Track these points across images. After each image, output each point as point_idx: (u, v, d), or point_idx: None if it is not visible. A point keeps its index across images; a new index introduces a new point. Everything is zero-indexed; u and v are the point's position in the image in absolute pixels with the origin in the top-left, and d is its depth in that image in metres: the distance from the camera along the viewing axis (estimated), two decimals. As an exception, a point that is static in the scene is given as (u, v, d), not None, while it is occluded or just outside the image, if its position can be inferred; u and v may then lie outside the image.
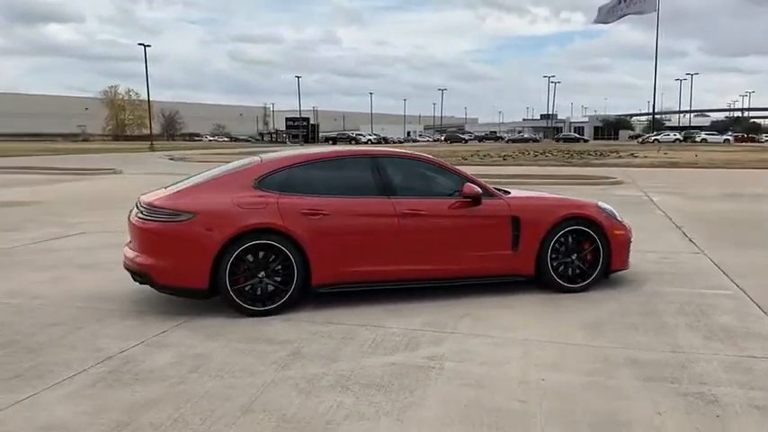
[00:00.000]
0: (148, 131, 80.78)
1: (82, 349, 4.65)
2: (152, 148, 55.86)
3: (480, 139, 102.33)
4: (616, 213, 6.48)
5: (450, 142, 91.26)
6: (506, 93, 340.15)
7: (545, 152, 43.33)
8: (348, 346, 4.68)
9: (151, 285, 5.53)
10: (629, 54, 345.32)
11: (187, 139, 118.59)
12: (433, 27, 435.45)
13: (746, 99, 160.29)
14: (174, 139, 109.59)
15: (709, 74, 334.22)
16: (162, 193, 5.79)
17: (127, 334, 4.99)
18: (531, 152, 43.26)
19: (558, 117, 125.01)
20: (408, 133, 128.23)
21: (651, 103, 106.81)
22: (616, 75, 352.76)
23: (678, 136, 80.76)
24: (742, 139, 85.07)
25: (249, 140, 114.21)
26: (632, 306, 5.70)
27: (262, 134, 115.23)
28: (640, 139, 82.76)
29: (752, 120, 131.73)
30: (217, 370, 4.22)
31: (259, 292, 5.40)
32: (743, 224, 10.78)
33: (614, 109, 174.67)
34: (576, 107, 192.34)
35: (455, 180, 6.09)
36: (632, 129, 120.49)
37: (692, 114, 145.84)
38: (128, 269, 5.68)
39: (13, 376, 4.14)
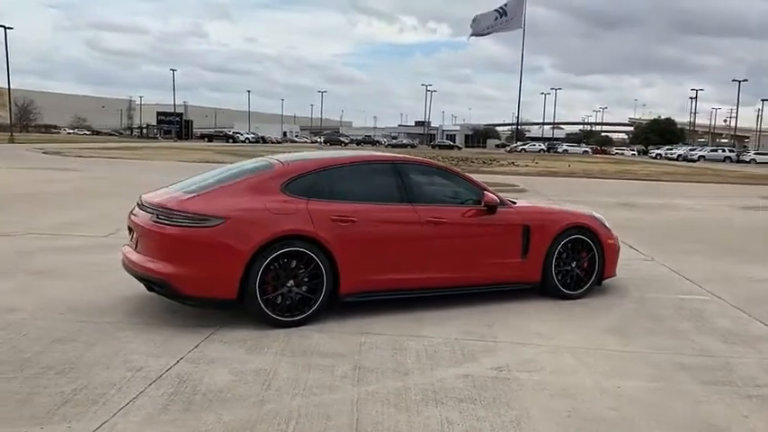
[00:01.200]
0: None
1: (119, 368, 4.20)
2: (12, 140, 51.17)
3: (358, 142, 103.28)
4: (606, 222, 6.82)
5: (330, 144, 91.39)
6: (376, 98, 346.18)
7: (443, 159, 44.43)
8: (405, 357, 4.58)
9: (171, 296, 5.11)
10: (489, 67, 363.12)
11: (43, 131, 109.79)
12: (303, 28, 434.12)
13: (599, 114, 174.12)
14: (28, 131, 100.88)
15: (560, 89, 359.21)
16: (173, 194, 5.37)
17: (155, 350, 4.57)
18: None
19: (432, 125, 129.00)
20: (284, 133, 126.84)
21: (514, 114, 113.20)
22: (477, 86, 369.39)
23: (543, 146, 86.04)
24: (597, 151, 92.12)
25: (114, 134, 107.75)
26: (634, 311, 6.02)
27: (130, 128, 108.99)
28: (508, 148, 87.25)
29: (602, 133, 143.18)
30: (290, 387, 3.97)
31: (288, 302, 5.15)
32: (658, 232, 11.70)
33: (477, 118, 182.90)
34: (445, 116, 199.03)
35: (468, 188, 6.14)
36: (499, 138, 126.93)
37: (549, 126, 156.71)
38: (139, 277, 5.20)
39: (61, 402, 3.66)
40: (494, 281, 6.09)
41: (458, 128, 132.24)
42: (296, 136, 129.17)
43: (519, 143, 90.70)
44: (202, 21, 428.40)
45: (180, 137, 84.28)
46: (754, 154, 70.30)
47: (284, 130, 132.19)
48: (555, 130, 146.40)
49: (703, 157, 68.85)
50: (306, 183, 5.42)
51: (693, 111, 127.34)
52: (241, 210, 5.07)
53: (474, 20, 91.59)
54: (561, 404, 3.86)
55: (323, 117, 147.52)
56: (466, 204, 6.02)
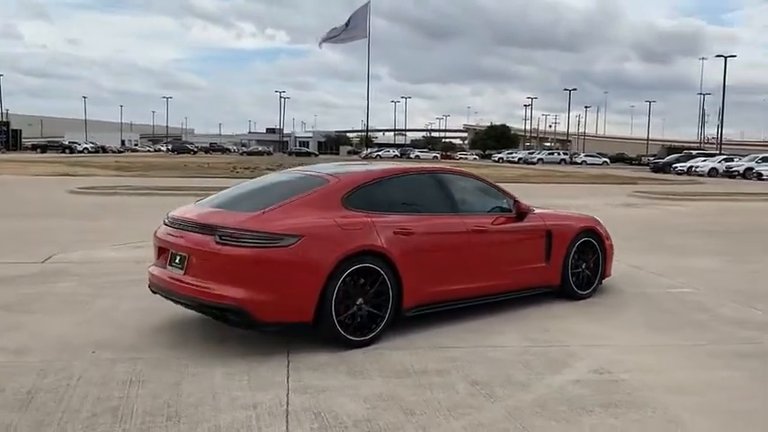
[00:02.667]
0: None
1: (233, 408, 3.81)
2: None
3: (207, 150, 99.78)
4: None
5: (178, 153, 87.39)
6: (219, 105, 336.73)
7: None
8: (505, 368, 4.56)
9: (245, 324, 4.69)
10: (330, 74, 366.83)
11: None
12: (132, 31, 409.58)
13: (442, 121, 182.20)
14: None
15: (398, 97, 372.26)
16: (223, 212, 4.96)
17: (249, 383, 4.19)
18: (291, 165, 43.70)
19: (284, 131, 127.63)
20: (123, 142, 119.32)
21: (363, 121, 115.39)
22: (319, 93, 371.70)
23: (396, 152, 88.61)
24: (444, 156, 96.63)
25: None
26: (646, 307, 6.44)
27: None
28: (362, 154, 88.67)
29: (445, 140, 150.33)
30: (433, 410, 3.81)
31: (358, 321, 4.94)
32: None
33: (322, 125, 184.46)
34: (294, 122, 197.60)
35: (497, 196, 6.26)
36: (351, 144, 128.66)
37: (393, 133, 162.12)
38: (198, 304, 4.73)
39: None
40: (525, 286, 6.24)
41: (311, 135, 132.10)
42: (135, 144, 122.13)
43: (375, 149, 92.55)
44: (14, 20, 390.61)
45: (7, 147, 76.22)
46: (585, 156, 77.28)
47: (122, 138, 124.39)
48: (398, 137, 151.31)
49: (542, 159, 74.53)
50: (362, 196, 5.24)
51: (526, 117, 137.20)
52: (315, 227, 4.79)
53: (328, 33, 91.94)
54: (691, 400, 4.05)
55: (161, 124, 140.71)
56: (496, 212, 6.12)
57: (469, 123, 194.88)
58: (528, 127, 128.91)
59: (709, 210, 18.23)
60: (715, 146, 74.11)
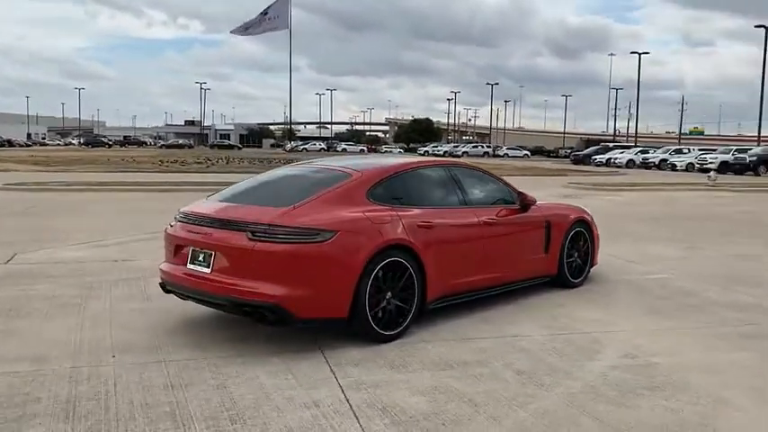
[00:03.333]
0: None
1: (294, 407, 3.73)
2: None
3: (122, 143, 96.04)
4: (588, 215, 7.48)
5: (91, 146, 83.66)
6: (132, 96, 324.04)
7: (237, 159, 43.12)
8: (542, 356, 4.66)
9: (280, 322, 4.58)
10: (246, 65, 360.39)
11: None
12: (33, 18, 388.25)
13: (366, 114, 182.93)
14: None
15: (318, 89, 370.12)
16: (249, 207, 4.85)
17: (296, 381, 4.12)
18: (223, 159, 42.76)
19: (204, 124, 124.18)
20: (29, 135, 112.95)
21: (285, 114, 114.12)
22: (236, 84, 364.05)
23: (323, 145, 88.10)
24: (370, 149, 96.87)
25: None
26: (636, 294, 6.71)
27: None
28: (288, 147, 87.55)
29: (370, 133, 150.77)
30: (495, 402, 3.85)
31: (388, 315, 4.92)
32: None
33: (242, 117, 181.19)
34: (214, 114, 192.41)
35: (502, 188, 6.36)
36: (274, 137, 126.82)
37: (316, 126, 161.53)
38: (227, 302, 4.59)
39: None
40: (529, 276, 6.39)
41: (232, 127, 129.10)
42: (43, 138, 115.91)
43: (300, 142, 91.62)
44: None
45: None
46: (507, 149, 79.41)
47: (29, 131, 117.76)
48: (320, 130, 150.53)
49: (467, 153, 76.01)
50: (384, 189, 5.23)
51: (449, 111, 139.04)
52: (349, 221, 4.73)
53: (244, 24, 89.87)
54: (721, 380, 4.27)
55: (68, 116, 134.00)
56: (501, 204, 6.22)
57: (391, 117, 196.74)
58: (450, 121, 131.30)
59: (643, 199, 19.17)
60: (625, 138, 77.83)
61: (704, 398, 3.95)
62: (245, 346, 4.80)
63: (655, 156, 46.94)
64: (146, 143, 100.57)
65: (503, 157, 73.84)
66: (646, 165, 45.86)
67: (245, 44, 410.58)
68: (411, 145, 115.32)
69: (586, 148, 60.23)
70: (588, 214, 7.26)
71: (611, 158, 49.39)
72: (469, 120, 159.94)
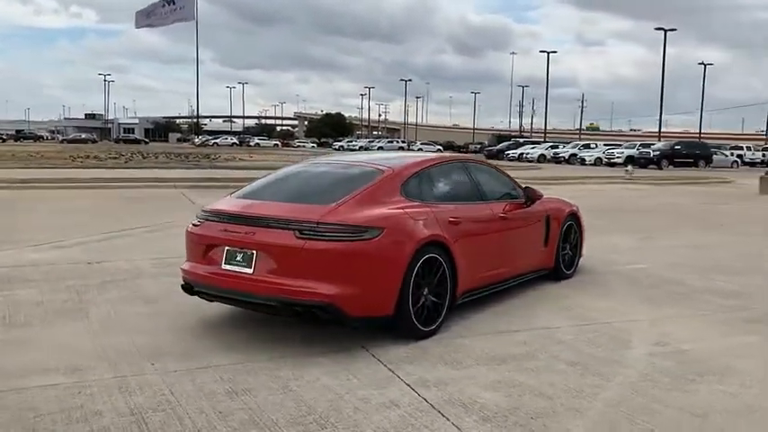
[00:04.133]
0: None
1: (375, 409, 3.67)
2: None
3: (16, 138, 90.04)
4: (573, 208, 7.73)
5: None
6: (19, 87, 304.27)
7: (152, 154, 41.21)
8: (583, 347, 4.78)
9: (333, 320, 4.48)
10: (145, 57, 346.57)
11: None
12: None
13: (277, 108, 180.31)
14: None
15: (222, 82, 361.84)
16: (276, 204, 4.79)
17: (358, 382, 4.04)
18: (136, 153, 40.84)
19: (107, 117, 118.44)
20: None
21: (191, 107, 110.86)
22: (135, 76, 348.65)
23: (234, 140, 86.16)
24: (284, 144, 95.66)
25: None
26: (626, 283, 6.99)
27: None
28: (198, 142, 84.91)
29: (282, 127, 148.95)
30: (564, 392, 3.93)
31: (426, 312, 4.92)
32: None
33: (143, 111, 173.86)
34: (114, 107, 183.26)
35: (508, 183, 6.47)
36: (181, 131, 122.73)
37: (223, 120, 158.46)
38: (277, 302, 4.44)
39: None
40: (532, 269, 6.54)
41: (137, 121, 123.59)
42: None
43: (211, 137, 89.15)
44: None
45: None
46: (421, 144, 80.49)
47: None
48: (228, 124, 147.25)
49: (382, 147, 76.47)
50: (414, 185, 5.21)
51: (362, 107, 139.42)
52: (393, 218, 4.69)
53: (137, 14, 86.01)
54: (755, 363, 4.54)
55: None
56: (507, 198, 6.32)
57: (301, 111, 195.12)
58: (362, 116, 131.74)
59: (570, 192, 19.97)
60: (530, 134, 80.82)
61: (754, 381, 4.19)
62: (283, 347, 4.66)
63: (565, 151, 49.07)
64: (42, 137, 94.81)
65: (417, 151, 74.79)
66: (556, 159, 47.84)
67: (144, 35, 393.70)
68: (323, 139, 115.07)
69: (498, 143, 62.03)
70: (577, 207, 7.52)
71: (522, 153, 51.18)
72: (380, 115, 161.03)
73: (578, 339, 4.98)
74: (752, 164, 48.22)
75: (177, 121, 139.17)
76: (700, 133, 63.45)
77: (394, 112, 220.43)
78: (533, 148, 52.80)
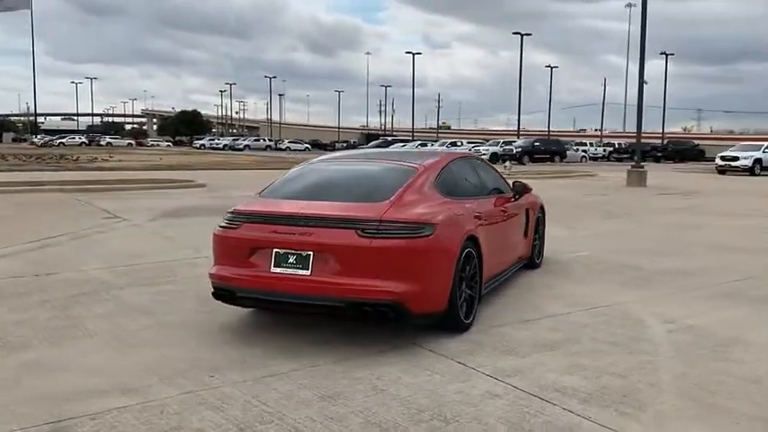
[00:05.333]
0: None
1: (479, 401, 3.74)
2: None
3: None
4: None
5: None
6: None
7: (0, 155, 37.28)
8: (608, 329, 5.09)
9: (398, 318, 4.44)
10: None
11: None
12: None
13: (125, 106, 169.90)
14: None
15: (57, 77, 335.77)
16: (323, 203, 4.71)
17: (439, 378, 4.08)
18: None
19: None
20: None
21: (25, 105, 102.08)
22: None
23: (83, 139, 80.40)
24: (138, 143, 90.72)
25: None
26: (587, 269, 7.50)
27: None
28: (38, 141, 78.00)
29: (132, 125, 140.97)
30: (632, 371, 4.19)
31: (465, 305, 5.02)
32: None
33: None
34: None
35: (497, 178, 6.70)
36: (17, 130, 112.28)
37: (61, 118, 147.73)
38: (342, 303, 4.34)
39: None
40: (519, 260, 6.84)
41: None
42: None
43: (53, 136, 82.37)
44: None
45: None
46: (289, 143, 79.77)
47: None
48: (69, 122, 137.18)
49: (248, 146, 74.96)
50: (442, 182, 5.27)
51: (222, 104, 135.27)
52: (441, 214, 4.73)
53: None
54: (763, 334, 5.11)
55: None
56: (496, 193, 6.55)
57: (148, 108, 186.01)
58: (221, 113, 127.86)
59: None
60: (391, 133, 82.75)
61: (769, 348, 4.73)
62: (332, 349, 4.56)
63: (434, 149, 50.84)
64: None
65: (285, 150, 74.07)
66: (426, 156, 49.44)
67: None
68: (177, 138, 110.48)
69: (367, 141, 63.02)
70: (542, 200, 7.94)
71: (394, 151, 52.36)
72: (237, 113, 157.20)
73: (596, 323, 5.31)
74: (595, 158, 52.90)
75: (12, 119, 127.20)
76: (549, 131, 68.30)
77: (252, 110, 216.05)
78: (404, 146, 54.14)
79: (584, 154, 50.96)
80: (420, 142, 55.83)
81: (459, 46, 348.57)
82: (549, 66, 67.97)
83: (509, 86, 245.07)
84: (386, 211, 4.48)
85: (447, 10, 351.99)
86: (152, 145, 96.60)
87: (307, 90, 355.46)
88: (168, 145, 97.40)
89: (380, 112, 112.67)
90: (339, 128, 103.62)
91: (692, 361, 4.41)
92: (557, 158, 45.01)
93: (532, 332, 5.03)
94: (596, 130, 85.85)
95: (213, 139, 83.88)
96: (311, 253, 4.42)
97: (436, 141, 56.35)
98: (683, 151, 53.59)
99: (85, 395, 3.76)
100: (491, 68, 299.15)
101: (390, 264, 4.36)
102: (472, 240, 5.08)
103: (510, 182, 6.94)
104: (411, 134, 70.26)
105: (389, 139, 62.64)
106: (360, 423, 3.42)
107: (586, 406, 3.66)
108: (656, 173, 28.41)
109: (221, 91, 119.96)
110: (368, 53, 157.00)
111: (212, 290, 4.93)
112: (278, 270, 4.49)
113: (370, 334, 4.83)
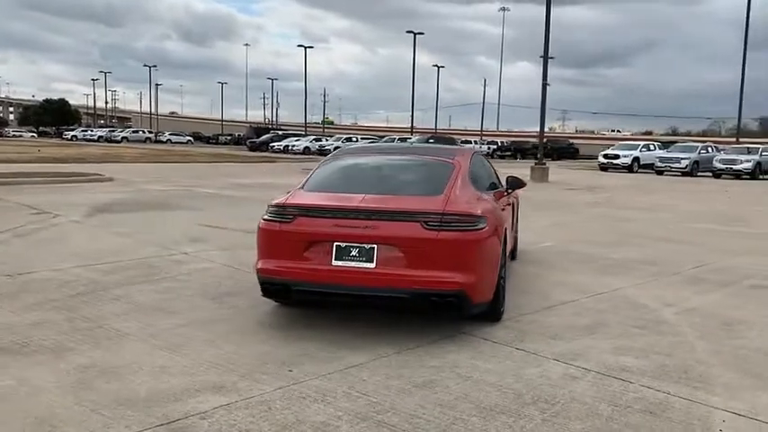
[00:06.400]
0: None
1: (562, 382, 3.98)
2: None
3: None
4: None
5: None
6: None
7: None
8: (631, 311, 5.52)
9: (459, 308, 4.57)
10: None
11: None
12: None
13: None
14: None
15: None
16: (360, 197, 4.77)
17: (512, 364, 4.29)
18: None
19: None
20: None
21: None
22: None
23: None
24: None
25: None
26: (562, 259, 7.98)
27: None
28: None
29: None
30: (675, 348, 4.61)
31: (501, 294, 5.24)
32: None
33: None
34: None
35: (494, 172, 6.95)
36: None
37: None
38: (416, 295, 4.41)
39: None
40: (511, 251, 7.16)
41: None
42: None
43: None
44: None
45: None
46: (170, 135, 76.45)
47: None
48: None
49: (126, 138, 71.18)
50: (472, 176, 5.44)
51: (94, 93, 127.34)
52: (488, 207, 4.91)
53: None
54: (757, 311, 5.70)
55: None
56: (494, 187, 6.79)
57: (5, 96, 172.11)
58: (90, 103, 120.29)
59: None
60: (274, 126, 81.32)
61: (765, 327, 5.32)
62: (390, 340, 4.63)
63: (330, 143, 50.75)
64: None
65: (165, 142, 71.01)
66: (322, 152, 49.26)
67: None
68: (41, 128, 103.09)
69: (257, 135, 61.64)
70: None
71: (288, 145, 51.77)
72: (106, 103, 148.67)
73: (609, 308, 5.71)
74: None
75: None
76: (435, 128, 70.30)
77: (123, 100, 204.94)
78: (298, 140, 53.70)
79: (471, 151, 52.82)
80: (313, 137, 55.57)
81: (338, 41, 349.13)
82: (435, 65, 69.83)
83: (387, 84, 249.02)
84: (446, 205, 4.60)
85: (324, 4, 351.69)
86: (14, 136, 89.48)
87: (179, 80, 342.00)
88: (33, 136, 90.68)
89: (264, 105, 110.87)
90: (222, 120, 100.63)
91: (716, 339, 4.89)
92: (449, 155, 46.39)
93: (560, 318, 5.35)
94: (468, 129, 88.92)
95: (86, 131, 78.79)
96: (375, 246, 4.46)
97: (331, 137, 56.26)
98: (559, 149, 56.92)
99: (178, 395, 3.63)
100: (369, 65, 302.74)
101: (455, 255, 4.49)
102: (504, 232, 5.31)
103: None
104: (305, 128, 69.62)
105: (280, 133, 61.68)
106: (473, 408, 3.55)
107: (659, 382, 3.99)
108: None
109: (94, 80, 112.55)
110: (246, 44, 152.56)
111: (260, 285, 4.81)
112: (339, 263, 4.49)
113: (402, 326, 4.93)
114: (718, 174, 30.70)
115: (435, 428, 3.30)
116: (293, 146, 51.09)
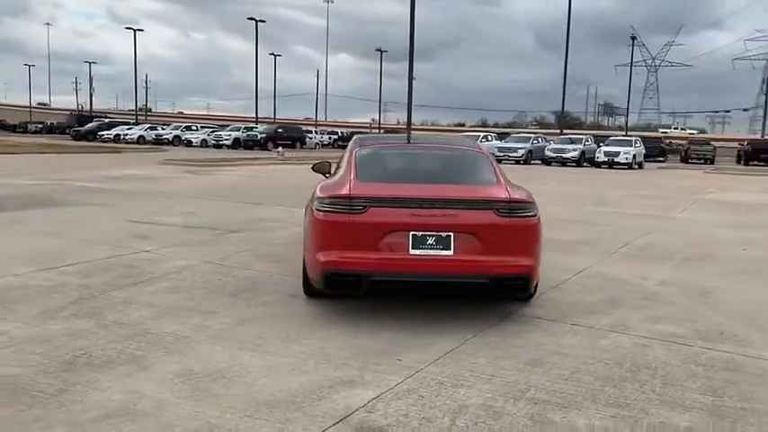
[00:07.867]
0: None
1: (612, 362, 4.41)
2: None
3: None
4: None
5: None
6: None
7: None
8: (641, 288, 6.13)
9: (524, 290, 4.84)
10: None
11: None
12: None
13: None
14: None
15: None
16: (425, 186, 4.92)
17: (573, 340, 4.65)
18: None
19: None
20: None
21: None
22: None
23: None
24: None
25: None
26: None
27: None
28: None
29: None
30: (719, 321, 5.26)
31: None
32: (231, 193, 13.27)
33: None
34: None
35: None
36: None
37: None
38: (493, 280, 4.60)
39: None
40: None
41: None
42: None
43: None
44: None
45: None
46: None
47: None
48: None
49: None
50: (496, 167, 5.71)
51: None
52: (532, 196, 5.19)
53: None
54: (748, 284, 6.54)
55: None
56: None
57: None
58: None
59: (247, 174, 20.69)
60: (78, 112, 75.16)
61: (734, 288, 6.18)
62: (442, 326, 4.76)
63: (168, 132, 48.26)
64: None
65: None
66: (159, 141, 46.68)
67: None
68: None
69: (80, 123, 56.66)
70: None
71: (119, 134, 48.40)
72: None
73: (603, 285, 6.27)
74: (324, 145, 55.43)
75: None
76: (275, 118, 69.38)
77: None
78: (130, 128, 50.28)
79: (317, 141, 53.04)
80: (149, 125, 52.37)
81: (150, 24, 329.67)
82: (272, 54, 68.80)
83: (202, 69, 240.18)
84: (509, 193, 4.83)
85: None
86: None
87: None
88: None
89: (76, 90, 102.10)
90: (31, 107, 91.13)
91: (711, 306, 5.63)
92: (298, 144, 46.23)
93: (573, 296, 5.80)
94: (306, 119, 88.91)
95: None
96: (452, 234, 4.58)
97: (168, 125, 53.31)
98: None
99: (316, 392, 3.54)
100: (184, 49, 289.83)
101: (522, 240, 4.75)
102: None
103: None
104: (135, 117, 65.08)
105: (107, 121, 57.22)
106: (593, 380, 3.84)
107: (709, 343, 4.57)
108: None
109: None
110: (48, 24, 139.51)
111: (325, 277, 4.68)
112: (417, 252, 4.55)
113: (449, 312, 5.10)
114: (548, 161, 33.78)
115: (586, 399, 3.54)
116: (126, 135, 47.79)
